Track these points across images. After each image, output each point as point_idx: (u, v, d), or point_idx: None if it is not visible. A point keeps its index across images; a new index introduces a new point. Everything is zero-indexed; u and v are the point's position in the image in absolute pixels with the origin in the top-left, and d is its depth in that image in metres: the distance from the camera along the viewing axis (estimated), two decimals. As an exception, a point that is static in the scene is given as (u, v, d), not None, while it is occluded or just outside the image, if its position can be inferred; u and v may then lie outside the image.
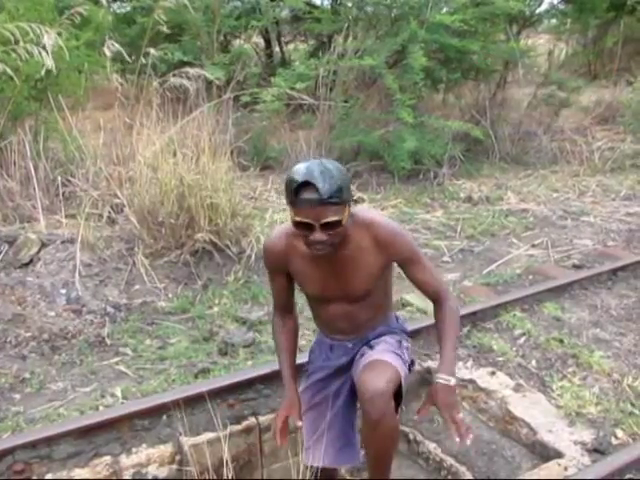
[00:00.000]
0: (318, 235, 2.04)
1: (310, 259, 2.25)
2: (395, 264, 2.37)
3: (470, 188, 8.10)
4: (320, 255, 2.14)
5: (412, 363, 2.52)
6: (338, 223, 2.05)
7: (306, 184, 2.01)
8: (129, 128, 5.86)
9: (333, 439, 2.37)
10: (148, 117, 5.50)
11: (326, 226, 2.03)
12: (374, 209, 2.47)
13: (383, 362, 2.24)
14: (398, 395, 2.25)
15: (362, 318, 2.37)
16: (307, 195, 2.01)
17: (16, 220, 5.13)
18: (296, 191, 2.03)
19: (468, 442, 2.12)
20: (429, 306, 4.36)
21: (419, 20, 8.26)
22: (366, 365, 2.26)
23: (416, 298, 4.34)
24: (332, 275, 2.26)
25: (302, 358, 3.07)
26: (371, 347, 2.38)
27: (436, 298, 2.35)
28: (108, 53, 5.45)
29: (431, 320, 3.88)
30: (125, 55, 5.55)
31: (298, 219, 2.05)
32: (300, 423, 2.39)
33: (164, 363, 3.74)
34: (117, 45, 5.50)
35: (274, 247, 2.33)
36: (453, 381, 2.20)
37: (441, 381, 2.18)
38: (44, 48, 4.78)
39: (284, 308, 2.54)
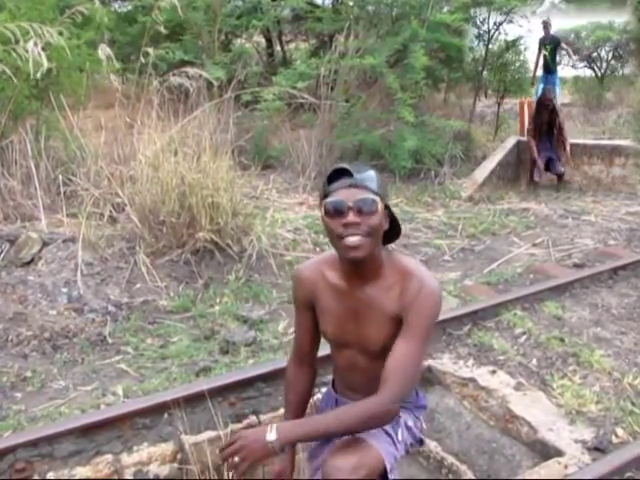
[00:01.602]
0: (351, 217, 1.86)
1: (336, 293, 2.06)
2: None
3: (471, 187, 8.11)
4: (356, 251, 1.88)
5: (421, 442, 2.28)
6: (373, 205, 1.88)
7: (339, 172, 1.91)
8: (130, 127, 5.87)
9: None
10: (149, 116, 5.51)
11: (360, 209, 1.86)
12: (421, 263, 2.19)
13: (362, 442, 1.97)
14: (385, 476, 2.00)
15: (376, 380, 1.99)
16: (340, 179, 1.91)
17: (17, 219, 5.14)
18: (329, 179, 1.93)
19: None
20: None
21: (420, 19, 8.29)
22: (343, 441, 2.00)
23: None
24: (351, 315, 2.05)
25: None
26: None
27: (381, 385, 1.93)
28: (102, 55, 5.45)
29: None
30: (113, 58, 5.53)
31: (330, 200, 1.89)
32: None
33: (165, 362, 3.74)
34: (108, 49, 5.48)
35: (303, 273, 2.17)
36: (273, 437, 1.81)
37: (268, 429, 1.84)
38: (43, 49, 4.78)
39: (301, 356, 2.27)
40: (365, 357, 2.07)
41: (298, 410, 2.27)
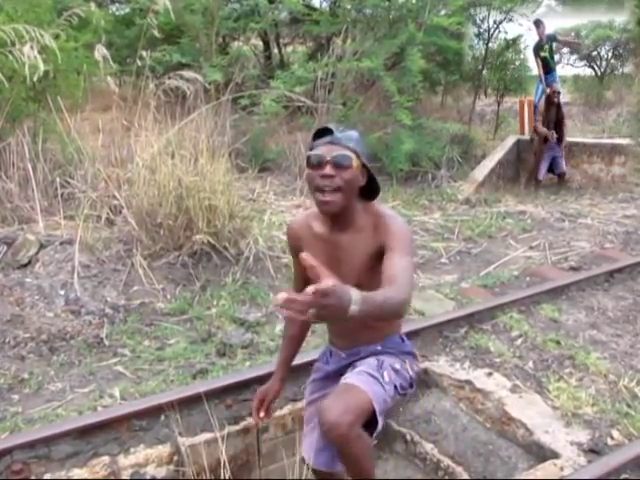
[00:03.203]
0: (328, 170, 2.08)
1: (318, 241, 2.29)
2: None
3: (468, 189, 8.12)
4: (328, 206, 2.12)
5: (411, 385, 2.42)
6: (348, 161, 2.10)
7: (324, 131, 2.16)
8: (127, 130, 5.87)
9: (316, 439, 2.39)
10: (146, 119, 5.51)
11: (336, 163, 2.09)
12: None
13: (350, 387, 2.16)
14: (374, 419, 2.15)
15: (354, 322, 1.98)
16: (322, 137, 2.15)
17: (15, 221, 5.14)
18: (314, 136, 2.18)
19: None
20: (427, 308, 4.41)
21: (417, 22, 8.31)
22: (334, 389, 2.22)
23: (415, 300, 4.33)
24: (329, 260, 2.12)
25: (305, 358, 3.09)
26: (353, 367, 2.33)
27: (389, 285, 1.98)
28: (98, 57, 5.44)
29: (429, 321, 3.94)
30: (110, 60, 5.53)
31: (311, 153, 2.14)
32: (262, 414, 2.54)
33: (162, 364, 3.75)
34: (104, 50, 5.48)
35: (293, 224, 2.46)
36: (356, 310, 1.70)
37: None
38: (39, 51, 4.79)
39: None
40: None
41: (290, 346, 2.61)
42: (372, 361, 2.31)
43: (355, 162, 2.13)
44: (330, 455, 2.39)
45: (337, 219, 2.23)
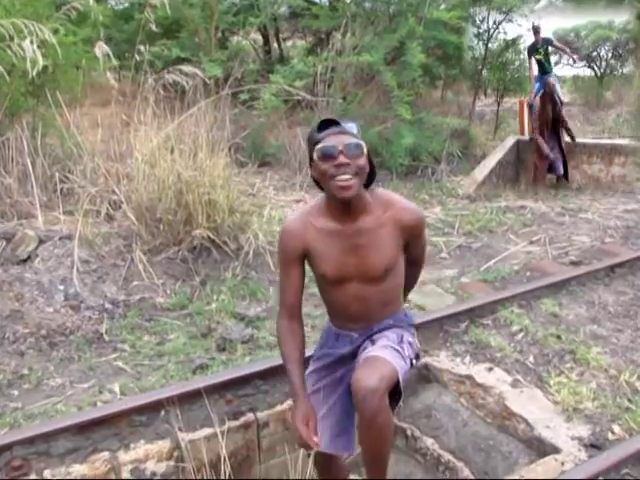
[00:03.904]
0: (342, 159, 2.10)
1: (329, 236, 2.27)
2: None
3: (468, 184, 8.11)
4: (347, 191, 2.12)
5: (417, 357, 2.47)
6: (360, 149, 2.13)
7: (328, 122, 2.17)
8: (126, 125, 5.85)
9: (331, 426, 2.38)
10: (145, 114, 5.50)
11: (349, 152, 2.11)
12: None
13: (379, 358, 2.20)
14: (396, 392, 2.21)
15: (374, 304, 2.35)
16: (330, 128, 2.15)
17: (14, 216, 5.12)
18: (319, 128, 2.16)
19: None
20: (427, 302, 4.40)
21: (417, 16, 8.30)
22: (362, 361, 2.24)
23: (415, 294, 4.34)
24: (350, 251, 2.27)
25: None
26: (373, 342, 2.35)
27: (416, 264, 2.55)
28: (99, 54, 5.41)
29: (430, 316, 3.94)
30: (112, 57, 5.50)
31: (322, 145, 2.13)
32: (316, 439, 2.27)
33: (162, 359, 3.74)
34: (105, 47, 5.45)
35: (292, 226, 2.35)
36: None
37: None
38: (38, 46, 4.76)
39: (292, 310, 2.43)
40: (367, 285, 2.31)
41: (301, 363, 2.39)
42: (392, 335, 2.36)
43: (365, 149, 2.17)
44: (348, 438, 2.41)
45: (350, 207, 2.21)
